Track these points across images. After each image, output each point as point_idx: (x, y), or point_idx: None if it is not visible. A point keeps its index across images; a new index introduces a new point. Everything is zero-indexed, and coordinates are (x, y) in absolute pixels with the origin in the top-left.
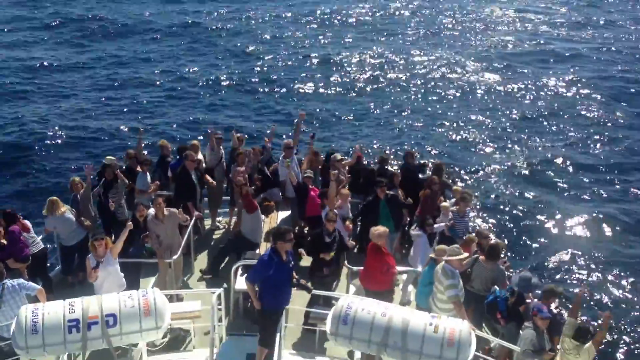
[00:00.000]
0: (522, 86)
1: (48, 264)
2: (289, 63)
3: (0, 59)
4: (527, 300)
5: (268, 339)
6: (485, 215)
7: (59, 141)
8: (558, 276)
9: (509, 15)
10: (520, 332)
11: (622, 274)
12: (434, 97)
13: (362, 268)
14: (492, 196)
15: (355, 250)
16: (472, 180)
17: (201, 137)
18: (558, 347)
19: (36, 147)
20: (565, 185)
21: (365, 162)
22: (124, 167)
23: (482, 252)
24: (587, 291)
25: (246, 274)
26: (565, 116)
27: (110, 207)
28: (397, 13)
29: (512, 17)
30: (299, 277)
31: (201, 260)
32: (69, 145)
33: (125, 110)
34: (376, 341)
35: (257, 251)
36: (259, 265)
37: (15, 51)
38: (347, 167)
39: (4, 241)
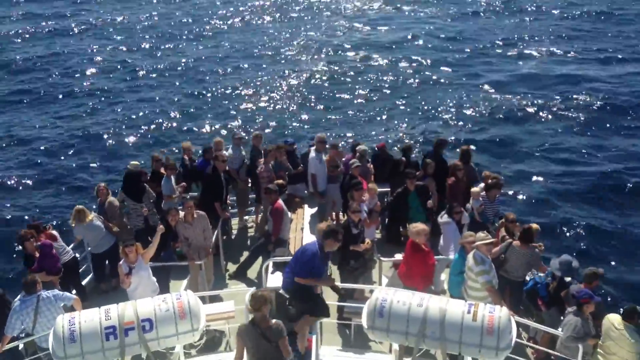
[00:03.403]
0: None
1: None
2: None
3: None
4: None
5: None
6: (514, 199)
7: (84, 147)
8: (593, 257)
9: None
10: (562, 317)
11: None
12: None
13: (393, 259)
14: (522, 180)
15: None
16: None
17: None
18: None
19: (61, 155)
20: (594, 167)
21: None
22: (150, 172)
23: (510, 236)
24: None
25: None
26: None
27: (144, 212)
28: None
29: None
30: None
31: (231, 260)
32: (94, 150)
33: (147, 116)
34: (414, 332)
35: (287, 247)
36: (318, 261)
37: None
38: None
39: (37, 254)
